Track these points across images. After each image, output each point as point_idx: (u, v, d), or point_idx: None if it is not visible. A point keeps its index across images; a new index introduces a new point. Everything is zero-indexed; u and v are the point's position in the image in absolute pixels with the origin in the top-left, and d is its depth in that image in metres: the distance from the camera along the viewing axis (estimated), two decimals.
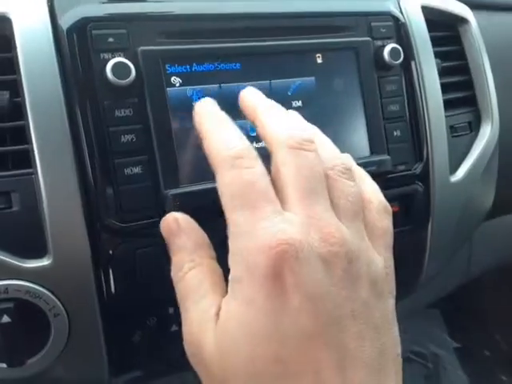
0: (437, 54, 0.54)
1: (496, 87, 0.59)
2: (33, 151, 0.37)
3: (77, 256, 0.37)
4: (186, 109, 0.40)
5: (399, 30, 0.51)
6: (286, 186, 0.31)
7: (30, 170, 0.37)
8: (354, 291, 0.29)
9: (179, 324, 0.42)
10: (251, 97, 0.37)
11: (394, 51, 0.48)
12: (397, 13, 0.51)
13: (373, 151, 0.48)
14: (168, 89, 0.40)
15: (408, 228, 0.51)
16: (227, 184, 0.31)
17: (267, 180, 0.31)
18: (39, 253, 0.37)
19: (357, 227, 0.32)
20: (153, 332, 0.41)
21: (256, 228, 0.29)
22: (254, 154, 0.31)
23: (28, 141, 0.37)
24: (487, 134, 0.58)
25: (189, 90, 0.41)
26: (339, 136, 0.46)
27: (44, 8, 0.39)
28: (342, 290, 0.29)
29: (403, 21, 0.51)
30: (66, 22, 0.39)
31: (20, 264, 0.36)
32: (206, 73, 0.41)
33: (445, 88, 0.54)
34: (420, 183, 0.51)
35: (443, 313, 1.06)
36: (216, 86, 0.42)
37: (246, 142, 0.32)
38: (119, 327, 0.40)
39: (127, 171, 0.38)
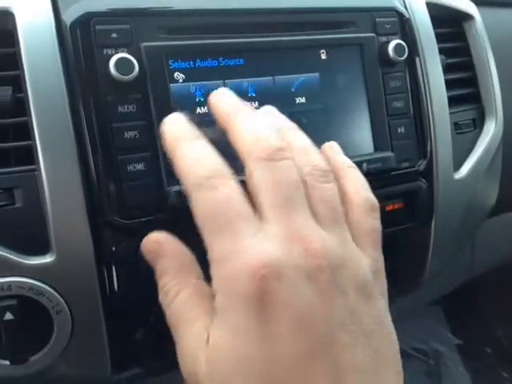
0: (441, 51, 0.53)
1: (500, 84, 0.59)
2: (36, 147, 0.37)
3: (80, 253, 0.37)
4: (189, 105, 0.40)
5: (404, 26, 0.50)
6: (262, 200, 0.30)
7: (33, 167, 0.37)
8: (341, 301, 0.29)
9: None
10: (220, 102, 0.36)
11: (398, 47, 0.47)
12: (401, 8, 0.51)
13: (377, 148, 0.48)
14: (171, 84, 0.40)
15: (411, 225, 0.51)
16: (201, 208, 0.30)
17: (242, 197, 0.30)
18: (42, 249, 0.37)
19: (340, 233, 0.31)
20: (155, 329, 0.41)
21: (235, 253, 0.28)
22: (227, 170, 0.30)
23: (31, 137, 0.37)
24: (491, 130, 0.57)
25: (192, 85, 0.40)
26: (343, 132, 0.46)
27: (47, 2, 0.39)
28: (330, 303, 0.28)
29: (408, 17, 0.51)
30: (69, 16, 0.39)
31: (23, 261, 0.36)
32: (210, 69, 0.41)
33: (449, 84, 0.53)
34: (424, 180, 0.51)
35: (445, 309, 1.06)
36: (219, 81, 0.41)
37: (217, 158, 0.31)
38: (122, 324, 0.40)
39: (130, 168, 0.38)
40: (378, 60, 0.48)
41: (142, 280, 0.38)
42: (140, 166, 0.38)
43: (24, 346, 0.36)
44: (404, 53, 0.48)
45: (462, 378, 0.99)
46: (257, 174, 0.31)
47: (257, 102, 0.43)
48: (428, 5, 0.54)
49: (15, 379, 0.38)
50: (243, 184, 0.31)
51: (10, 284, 0.36)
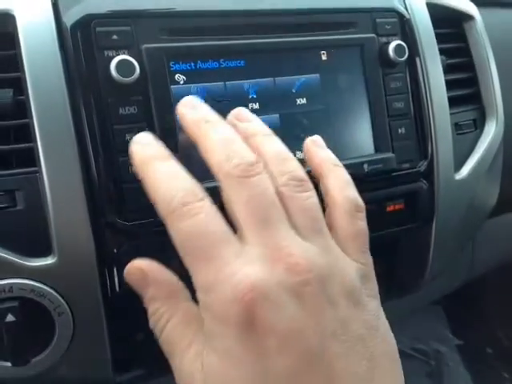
0: (442, 51, 0.53)
1: (501, 84, 0.59)
2: (37, 149, 0.37)
3: (81, 255, 0.37)
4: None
5: (404, 27, 0.50)
6: (239, 219, 0.30)
7: (35, 169, 0.37)
8: (330, 312, 0.28)
9: None
10: (187, 114, 0.34)
11: (398, 48, 0.48)
12: (402, 9, 0.51)
13: (377, 149, 0.48)
14: (172, 86, 0.40)
15: (412, 226, 0.51)
16: (178, 237, 0.29)
17: (218, 218, 0.29)
18: (44, 251, 0.37)
19: (322, 242, 0.31)
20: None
21: (219, 280, 0.28)
22: (199, 194, 0.30)
23: (32, 139, 0.37)
24: (492, 131, 0.57)
25: (193, 87, 0.40)
26: (343, 134, 0.46)
27: (48, 5, 0.39)
28: (318, 316, 0.28)
29: (408, 17, 0.51)
30: (69, 18, 0.39)
31: (24, 263, 0.36)
32: (211, 70, 0.41)
33: (449, 85, 0.53)
34: (424, 181, 0.51)
35: (445, 309, 1.06)
36: (220, 83, 0.41)
37: (188, 180, 0.30)
38: (123, 326, 0.40)
39: (132, 169, 0.38)
40: (378, 61, 0.48)
41: None
42: None
43: (25, 348, 0.36)
44: (404, 53, 0.48)
45: (463, 378, 0.99)
46: (230, 192, 0.30)
47: (257, 103, 0.43)
48: (428, 5, 0.54)
49: (17, 381, 0.38)
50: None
51: (11, 286, 0.36)
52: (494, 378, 0.98)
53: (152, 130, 0.39)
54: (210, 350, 0.29)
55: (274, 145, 0.34)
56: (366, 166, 0.45)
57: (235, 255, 0.28)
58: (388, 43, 0.48)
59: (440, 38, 0.53)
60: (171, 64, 0.40)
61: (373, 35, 0.48)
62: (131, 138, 0.38)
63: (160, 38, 0.40)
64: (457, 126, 0.55)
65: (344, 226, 0.33)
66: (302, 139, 0.44)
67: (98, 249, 0.37)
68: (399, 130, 0.49)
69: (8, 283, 0.36)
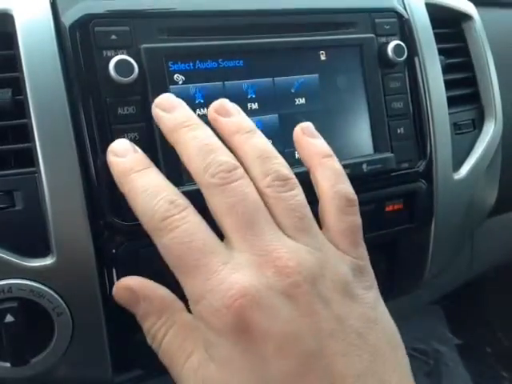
0: (440, 51, 0.53)
1: (499, 84, 0.59)
2: (35, 149, 0.37)
3: (80, 255, 0.37)
4: (189, 106, 0.40)
5: (403, 27, 0.50)
6: (224, 226, 0.29)
7: (33, 169, 0.37)
8: (325, 311, 0.28)
9: None
10: (163, 117, 0.34)
11: (397, 48, 0.47)
12: (400, 9, 0.51)
13: (376, 149, 0.48)
14: (171, 86, 0.40)
15: (411, 226, 0.51)
16: (165, 251, 0.29)
17: (203, 228, 0.29)
18: (42, 252, 0.37)
19: (310, 241, 0.30)
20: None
21: (208, 290, 0.28)
22: (182, 204, 0.29)
23: (30, 139, 0.37)
24: (490, 131, 0.57)
25: (192, 87, 0.40)
26: (342, 134, 0.46)
27: (46, 4, 0.39)
28: (313, 315, 0.28)
29: (407, 17, 0.51)
30: (68, 18, 0.38)
31: (23, 263, 0.36)
32: (209, 70, 0.41)
33: (448, 85, 0.53)
34: (423, 181, 0.51)
35: (445, 309, 1.06)
36: (219, 83, 0.41)
37: (167, 194, 0.30)
38: (122, 326, 0.40)
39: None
40: (377, 61, 0.48)
41: None
42: None
43: (25, 348, 0.36)
44: (403, 53, 0.48)
45: (462, 377, 0.99)
46: (211, 200, 0.30)
47: (256, 104, 0.43)
48: (427, 5, 0.54)
49: (16, 381, 0.38)
50: None
51: (10, 286, 0.36)
52: (493, 377, 0.98)
53: (150, 130, 0.38)
54: (208, 360, 0.28)
55: (256, 143, 0.33)
56: (364, 165, 0.45)
57: (222, 263, 0.28)
58: (387, 43, 0.48)
59: (439, 38, 0.53)
60: (170, 64, 0.40)
61: (372, 35, 0.48)
62: (130, 138, 0.38)
63: (159, 37, 0.40)
64: (455, 126, 0.55)
65: (335, 222, 0.32)
66: None
67: (96, 249, 0.37)
68: (398, 130, 0.49)
69: (7, 284, 0.36)
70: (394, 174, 0.48)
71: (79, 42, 0.38)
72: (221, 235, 0.31)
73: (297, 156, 0.43)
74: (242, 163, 0.32)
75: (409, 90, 0.50)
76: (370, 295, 0.31)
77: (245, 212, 0.29)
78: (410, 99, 0.50)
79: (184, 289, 0.29)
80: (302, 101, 0.45)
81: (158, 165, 0.38)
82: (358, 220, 0.34)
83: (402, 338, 0.32)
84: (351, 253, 0.32)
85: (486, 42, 0.58)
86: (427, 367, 0.99)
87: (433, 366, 0.99)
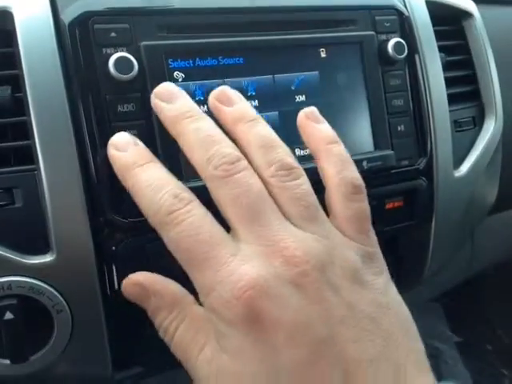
0: (441, 48, 0.53)
1: (500, 81, 0.59)
2: (35, 147, 0.37)
3: (80, 252, 0.37)
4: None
5: (403, 24, 0.50)
6: (230, 218, 0.29)
7: (33, 166, 0.37)
8: (335, 298, 0.28)
9: None
10: (163, 109, 0.33)
11: (398, 45, 0.47)
12: (401, 7, 0.51)
13: (377, 146, 0.47)
14: None
15: (411, 223, 0.51)
16: (172, 245, 0.29)
17: (208, 221, 0.29)
18: (42, 249, 0.37)
19: (317, 229, 0.30)
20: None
21: (218, 282, 0.28)
22: (186, 197, 0.29)
23: (30, 136, 0.37)
24: (491, 128, 0.57)
25: (191, 85, 0.40)
26: (343, 131, 0.46)
27: (45, 2, 0.39)
28: (323, 303, 0.28)
29: (407, 15, 0.51)
30: (67, 16, 0.38)
31: (23, 260, 0.36)
32: (209, 67, 0.41)
33: (449, 82, 0.53)
34: (424, 178, 0.51)
35: (444, 307, 1.06)
36: (219, 80, 0.41)
37: (172, 188, 0.30)
38: (122, 323, 0.40)
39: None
40: (377, 58, 0.48)
41: None
42: None
43: (24, 346, 0.36)
44: (404, 51, 0.48)
45: (462, 375, 0.99)
46: (216, 192, 0.30)
47: (256, 101, 0.43)
48: (427, 3, 0.54)
49: (16, 378, 0.38)
50: None
51: (10, 283, 0.36)
52: (493, 375, 0.98)
53: (150, 127, 0.38)
54: (221, 351, 0.28)
55: (259, 131, 0.32)
56: (365, 163, 0.45)
57: (231, 254, 0.28)
58: (387, 40, 0.48)
59: (439, 36, 0.53)
60: (170, 61, 0.40)
61: (372, 32, 0.48)
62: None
63: (158, 35, 0.40)
64: (456, 124, 0.55)
65: (341, 210, 0.32)
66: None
67: (96, 246, 0.37)
68: (398, 128, 0.49)
69: (6, 281, 0.36)
70: (394, 171, 0.48)
71: (79, 40, 0.38)
72: (227, 227, 0.31)
73: (297, 154, 0.43)
74: (245, 153, 0.31)
75: (409, 88, 0.50)
76: (380, 281, 0.31)
77: (249, 203, 0.29)
78: (410, 96, 0.50)
79: (194, 282, 0.29)
80: (303, 98, 0.44)
81: None
82: (366, 206, 0.33)
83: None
84: (359, 239, 0.32)
85: (486, 39, 0.58)
86: None
87: (432, 363, 0.99)
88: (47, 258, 0.37)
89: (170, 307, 0.31)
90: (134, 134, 0.38)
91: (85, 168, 0.37)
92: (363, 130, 0.47)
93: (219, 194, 0.30)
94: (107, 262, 0.38)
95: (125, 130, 0.38)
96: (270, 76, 0.43)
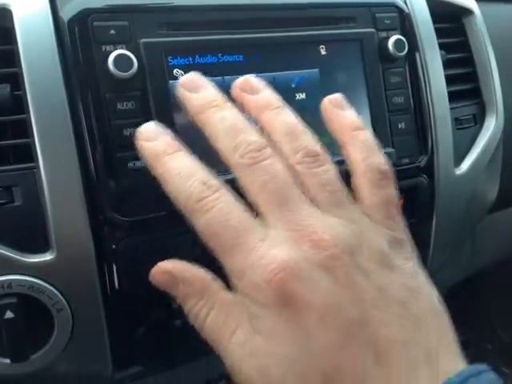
0: (441, 46, 0.53)
1: (500, 79, 0.58)
2: (34, 145, 0.37)
3: (80, 250, 0.37)
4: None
5: (404, 22, 0.50)
6: (258, 205, 0.30)
7: (32, 164, 0.37)
8: (365, 281, 0.28)
9: (182, 318, 0.42)
10: (191, 99, 0.33)
11: (398, 43, 0.47)
12: (401, 4, 0.50)
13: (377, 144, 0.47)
14: (171, 81, 0.39)
15: (412, 221, 0.50)
16: (203, 232, 0.30)
17: (238, 208, 0.30)
18: (42, 247, 0.37)
19: (345, 214, 0.30)
20: (156, 326, 0.41)
21: (249, 266, 0.28)
22: (215, 184, 0.30)
23: (29, 134, 0.37)
24: (492, 126, 0.57)
25: None
26: None
27: None
28: (354, 286, 0.28)
29: (407, 12, 0.51)
30: (66, 13, 0.38)
31: (23, 259, 0.36)
32: (209, 65, 0.41)
33: (449, 80, 0.53)
34: (424, 176, 0.51)
35: (445, 305, 1.06)
36: (219, 78, 0.41)
37: (201, 175, 0.30)
38: (123, 322, 0.40)
39: (130, 165, 0.38)
40: (377, 55, 0.48)
41: (143, 277, 0.38)
42: (140, 164, 0.38)
43: (24, 345, 0.36)
44: (404, 48, 0.48)
45: None
46: (243, 180, 0.30)
47: None
48: (428, 0, 0.53)
49: (16, 377, 0.38)
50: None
51: (10, 282, 0.35)
52: None
53: None
54: (253, 333, 0.29)
55: (284, 119, 0.33)
56: None
57: (260, 240, 0.29)
58: (387, 38, 0.47)
59: (440, 33, 0.53)
60: (169, 59, 0.39)
61: (372, 30, 0.48)
62: (129, 133, 0.38)
63: (158, 32, 0.39)
64: (457, 121, 0.55)
65: (368, 196, 0.32)
66: None
67: (96, 245, 0.37)
68: (399, 125, 0.49)
69: (6, 279, 0.35)
70: (394, 169, 0.48)
71: (78, 37, 0.38)
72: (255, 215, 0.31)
73: None
74: (270, 140, 0.32)
75: (409, 85, 0.50)
76: (410, 265, 0.31)
77: (277, 189, 0.29)
78: (410, 94, 0.50)
79: (225, 267, 0.30)
80: (303, 96, 0.44)
81: None
82: (393, 192, 0.33)
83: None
84: (386, 225, 0.32)
85: (486, 36, 0.58)
86: None
87: None
88: (47, 257, 0.36)
89: (200, 294, 0.32)
90: (134, 133, 0.38)
91: (84, 166, 0.37)
92: None
93: (247, 181, 0.30)
94: (107, 261, 0.38)
95: (124, 128, 0.38)
96: (270, 74, 0.43)
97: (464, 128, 0.56)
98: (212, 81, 0.40)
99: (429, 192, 0.51)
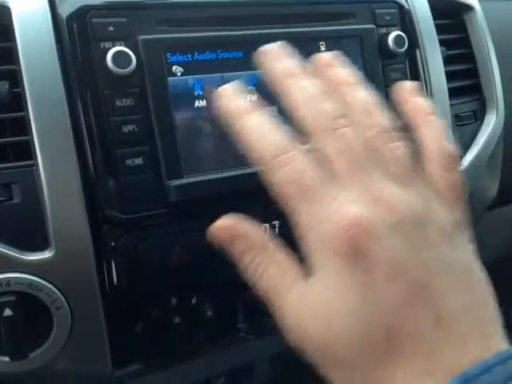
0: (442, 42, 0.53)
1: (501, 75, 0.58)
2: (33, 142, 0.36)
3: (79, 248, 0.37)
4: (187, 98, 0.40)
5: (404, 18, 0.50)
6: (335, 169, 0.31)
7: (31, 162, 0.37)
8: (431, 253, 0.29)
9: (181, 316, 0.42)
10: (274, 68, 0.34)
11: (398, 39, 0.47)
12: (401, 0, 0.50)
13: None
14: (169, 78, 0.39)
15: None
16: (278, 185, 0.31)
17: (312, 167, 0.30)
18: (41, 245, 0.37)
19: (418, 189, 0.31)
20: (155, 323, 0.41)
21: (324, 217, 0.29)
22: (291, 144, 0.31)
23: (28, 132, 0.37)
24: (492, 122, 0.57)
25: (190, 79, 0.40)
26: None
27: None
28: (420, 254, 0.29)
29: (408, 8, 0.50)
30: (65, 10, 0.38)
31: (22, 257, 0.36)
32: (208, 62, 0.41)
33: (449, 76, 0.53)
34: None
35: None
36: (218, 74, 0.41)
37: (279, 133, 0.31)
38: (122, 319, 0.40)
39: (129, 162, 0.38)
40: (378, 52, 0.47)
41: (142, 275, 0.38)
42: (139, 161, 0.38)
43: (23, 343, 0.36)
44: (404, 44, 0.47)
45: None
46: (322, 146, 0.31)
47: (256, 95, 0.42)
48: None
49: (15, 375, 0.38)
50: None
51: (8, 280, 0.35)
52: None
53: (149, 121, 0.38)
54: (316, 283, 0.30)
55: (360, 96, 0.34)
56: None
57: (332, 197, 0.29)
58: (387, 34, 0.47)
59: (440, 29, 0.53)
60: (168, 55, 0.39)
61: (372, 26, 0.47)
62: (128, 130, 0.38)
63: (157, 29, 0.39)
64: (457, 118, 0.55)
65: (438, 179, 0.33)
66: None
67: (95, 242, 0.37)
68: None
69: (5, 277, 0.35)
70: None
71: (76, 34, 0.38)
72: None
73: None
74: (348, 114, 0.33)
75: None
76: (470, 247, 0.32)
77: (354, 157, 0.31)
78: None
79: (296, 216, 0.30)
80: None
81: (156, 157, 0.38)
82: (460, 177, 0.35)
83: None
84: (452, 207, 0.33)
85: (487, 32, 0.58)
86: None
87: None
88: (46, 255, 0.36)
89: (258, 250, 0.32)
90: (133, 129, 0.38)
91: (83, 163, 0.37)
92: None
93: (326, 149, 0.31)
94: (106, 258, 0.38)
95: (123, 125, 0.38)
96: None
97: (464, 124, 0.56)
98: (211, 78, 0.41)
99: None
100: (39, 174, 0.36)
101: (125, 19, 0.38)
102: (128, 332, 0.41)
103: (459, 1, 0.58)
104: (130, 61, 0.37)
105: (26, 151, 0.37)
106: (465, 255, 0.31)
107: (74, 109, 0.37)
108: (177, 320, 0.41)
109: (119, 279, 0.38)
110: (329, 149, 0.31)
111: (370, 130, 0.32)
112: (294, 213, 0.30)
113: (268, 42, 0.43)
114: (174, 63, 0.39)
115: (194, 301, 0.41)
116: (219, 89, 0.34)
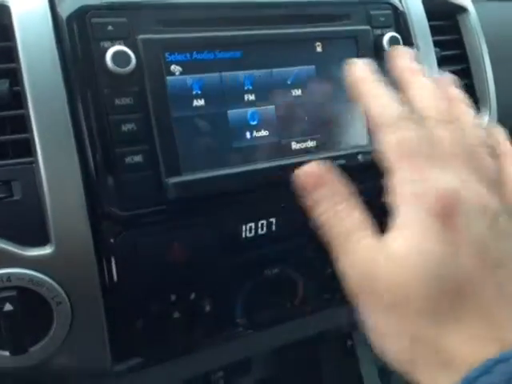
0: (436, 43, 0.54)
1: (494, 76, 0.59)
2: (33, 140, 0.37)
3: (79, 244, 0.37)
4: (185, 97, 0.40)
5: (398, 19, 0.50)
6: (446, 150, 0.32)
7: (31, 159, 0.37)
8: (509, 240, 0.31)
9: (180, 311, 0.42)
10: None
11: (393, 40, 0.48)
12: (396, 1, 0.51)
13: (371, 139, 0.48)
14: (168, 77, 0.40)
15: None
16: (393, 144, 0.32)
17: (428, 141, 0.32)
18: (41, 241, 0.37)
19: (498, 192, 0.33)
20: (155, 319, 0.42)
21: (425, 178, 0.31)
22: (414, 117, 0.33)
23: (28, 130, 0.37)
24: (485, 122, 0.58)
25: (189, 78, 0.41)
26: (338, 125, 0.46)
27: None
28: (504, 241, 0.30)
29: (402, 9, 0.51)
30: (65, 10, 0.39)
31: (22, 252, 0.36)
32: (207, 61, 0.41)
33: None
34: None
35: None
36: (216, 74, 0.42)
37: (396, 102, 0.34)
38: (121, 314, 0.40)
39: (128, 160, 0.38)
40: (372, 52, 0.48)
41: (141, 270, 0.39)
42: (138, 159, 0.38)
43: (24, 337, 0.37)
44: (399, 45, 0.48)
45: None
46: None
47: (253, 95, 0.43)
48: None
49: (16, 370, 0.38)
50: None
51: (9, 275, 0.36)
52: None
53: (148, 120, 0.39)
54: (398, 236, 0.31)
55: (468, 110, 0.38)
56: (360, 156, 0.46)
57: (441, 168, 0.31)
58: (382, 35, 0.48)
59: (434, 30, 0.54)
60: (167, 55, 0.40)
61: (367, 27, 0.48)
62: (127, 128, 0.38)
63: (156, 28, 0.40)
64: None
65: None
66: (298, 130, 0.44)
67: (95, 238, 0.38)
68: None
69: (6, 273, 0.36)
70: None
71: (76, 34, 0.38)
72: None
73: (293, 147, 0.44)
74: (412, 102, 0.36)
75: None
76: None
77: (465, 148, 0.33)
78: None
79: (396, 176, 0.32)
80: (299, 92, 0.45)
81: (155, 155, 0.39)
82: None
83: None
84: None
85: (480, 34, 0.59)
86: None
87: None
88: (46, 250, 0.37)
89: (338, 199, 0.33)
90: (132, 128, 0.38)
91: (83, 161, 0.38)
92: (358, 124, 0.47)
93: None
94: (106, 254, 0.38)
95: (123, 124, 0.38)
96: (267, 70, 0.43)
97: None
98: (209, 77, 0.41)
99: None
100: (39, 171, 0.37)
101: (124, 19, 0.39)
102: (127, 327, 0.41)
103: (453, 2, 0.58)
104: (130, 60, 0.38)
105: (26, 148, 0.37)
106: None
107: (74, 107, 0.38)
108: (176, 315, 0.42)
109: (119, 275, 0.39)
110: (444, 134, 0.33)
111: (476, 138, 0.34)
112: (394, 168, 0.32)
113: (265, 42, 0.44)
114: (172, 62, 0.40)
115: (192, 296, 0.42)
116: (354, 62, 0.38)
